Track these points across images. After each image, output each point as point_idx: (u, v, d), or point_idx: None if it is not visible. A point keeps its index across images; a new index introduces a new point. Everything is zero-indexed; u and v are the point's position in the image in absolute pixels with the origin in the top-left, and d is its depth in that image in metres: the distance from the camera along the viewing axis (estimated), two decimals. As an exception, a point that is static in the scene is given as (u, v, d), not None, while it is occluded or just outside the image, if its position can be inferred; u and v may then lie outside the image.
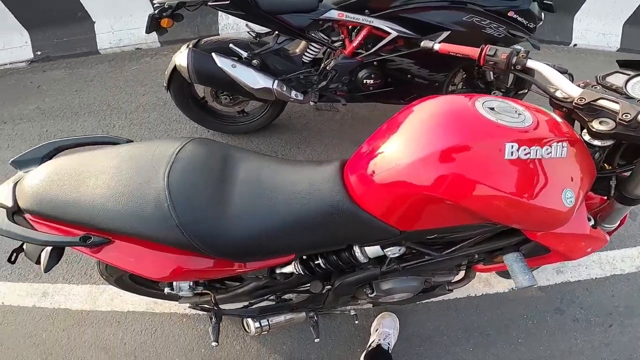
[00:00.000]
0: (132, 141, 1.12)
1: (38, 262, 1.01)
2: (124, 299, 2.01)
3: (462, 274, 1.34)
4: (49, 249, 0.96)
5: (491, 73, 2.12)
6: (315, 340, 1.47)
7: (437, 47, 1.16)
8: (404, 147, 0.85)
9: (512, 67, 0.99)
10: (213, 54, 1.93)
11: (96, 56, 3.28)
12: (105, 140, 1.11)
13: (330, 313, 1.59)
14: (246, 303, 1.44)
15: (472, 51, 1.06)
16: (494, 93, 2.25)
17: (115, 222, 0.86)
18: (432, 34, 1.90)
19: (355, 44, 2.03)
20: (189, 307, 1.63)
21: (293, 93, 2.09)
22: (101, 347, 1.88)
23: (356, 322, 1.59)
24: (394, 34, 1.93)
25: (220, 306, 1.36)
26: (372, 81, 2.11)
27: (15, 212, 0.91)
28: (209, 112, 2.39)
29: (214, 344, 1.36)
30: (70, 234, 0.91)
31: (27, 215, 0.92)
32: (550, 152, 0.80)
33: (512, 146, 0.78)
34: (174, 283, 1.22)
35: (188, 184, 0.87)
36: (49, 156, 1.04)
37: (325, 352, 1.80)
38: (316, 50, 2.10)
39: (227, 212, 0.88)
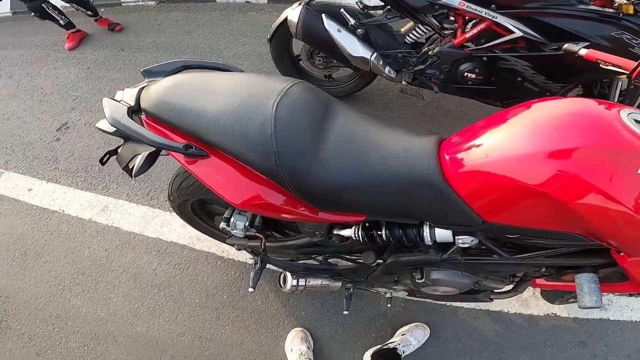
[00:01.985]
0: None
1: (126, 168, 1.07)
2: (172, 229, 2.07)
3: (510, 286, 1.30)
4: (145, 153, 1.01)
5: (617, 93, 1.88)
6: (344, 312, 1.44)
7: (583, 52, 1.11)
8: (520, 137, 0.81)
9: None
10: (323, 15, 1.98)
11: (212, 4, 3.59)
12: (225, 68, 1.18)
13: (367, 290, 1.53)
14: (289, 259, 1.42)
15: (625, 62, 1.01)
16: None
17: (219, 137, 0.90)
18: (561, 41, 1.72)
19: (468, 35, 1.91)
20: (236, 248, 1.64)
21: (387, 69, 2.06)
22: (133, 274, 1.95)
23: (389, 305, 1.53)
24: (517, 33, 1.78)
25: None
26: (474, 76, 1.99)
27: (134, 112, 0.98)
28: (299, 70, 2.47)
29: (250, 289, 1.34)
30: (174, 140, 0.96)
31: (143, 116, 0.99)
32: None
33: None
34: (231, 219, 1.26)
35: (292, 117, 0.90)
36: (175, 72, 1.11)
37: (341, 328, 1.73)
38: (422, 33, 2.03)
39: (321, 155, 0.90)
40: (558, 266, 1.05)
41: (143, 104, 0.98)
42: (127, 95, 1.01)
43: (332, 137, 0.93)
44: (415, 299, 1.73)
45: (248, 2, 3.52)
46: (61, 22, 3.22)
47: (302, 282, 1.32)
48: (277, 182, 0.92)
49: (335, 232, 1.12)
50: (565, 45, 1.14)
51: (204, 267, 1.93)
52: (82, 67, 3.14)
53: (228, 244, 1.72)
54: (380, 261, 1.15)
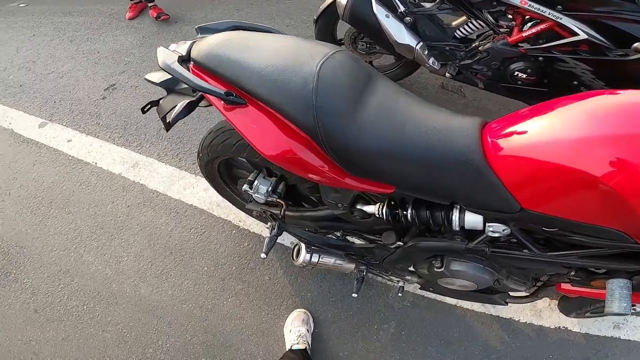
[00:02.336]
0: None
1: (163, 119, 1.14)
2: (194, 192, 2.09)
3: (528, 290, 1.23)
4: (184, 102, 1.07)
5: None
6: (353, 295, 1.38)
7: None
8: (577, 123, 0.75)
9: None
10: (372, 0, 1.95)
11: None
12: (275, 32, 1.21)
13: (379, 275, 1.47)
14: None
15: None
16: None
17: (260, 86, 0.92)
18: (627, 47, 1.62)
19: (525, 34, 1.82)
20: (254, 215, 1.63)
21: (431, 60, 1.99)
22: (148, 233, 1.97)
23: (399, 294, 1.45)
24: (582, 35, 1.69)
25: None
26: (524, 76, 1.89)
27: (184, 60, 1.04)
28: (341, 54, 2.44)
29: (262, 255, 1.31)
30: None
31: (191, 65, 1.04)
32: None
33: None
34: (255, 182, 1.30)
35: (335, 78, 0.90)
36: (226, 30, 1.16)
37: (344, 315, 1.66)
38: (474, 29, 1.95)
39: (359, 118, 0.89)
40: (590, 269, 0.98)
41: (192, 54, 1.04)
42: (180, 47, 1.08)
43: (372, 103, 0.92)
44: (426, 294, 1.64)
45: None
46: None
47: (315, 257, 1.29)
48: (312, 138, 0.91)
49: (358, 206, 1.10)
50: (636, 44, 1.10)
51: (218, 234, 1.92)
52: (137, 36, 3.29)
53: (246, 210, 1.75)
54: (401, 243, 1.11)
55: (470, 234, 0.98)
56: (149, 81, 1.12)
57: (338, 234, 1.30)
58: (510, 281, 1.12)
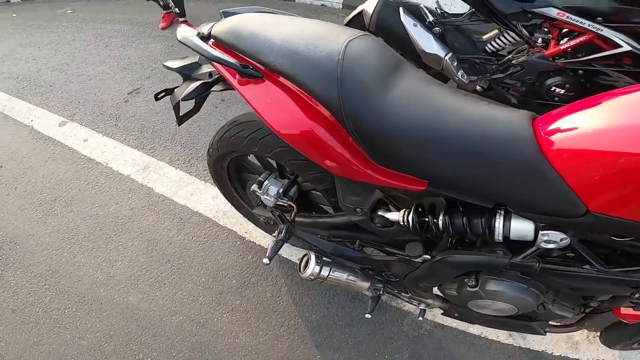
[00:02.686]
0: None
1: (177, 109, 1.15)
2: (201, 199, 2.01)
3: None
4: (198, 83, 1.05)
5: None
6: (366, 316, 1.22)
7: None
8: None
9: None
10: (400, 8, 1.91)
11: (292, 2, 3.97)
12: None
13: (398, 296, 1.28)
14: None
15: None
16: None
17: (281, 57, 0.86)
18: None
19: (564, 47, 1.74)
20: (260, 220, 1.52)
21: (460, 72, 1.89)
22: (148, 238, 1.87)
23: (420, 318, 1.26)
24: (625, 47, 1.60)
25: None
26: (562, 91, 1.79)
27: (203, 37, 1.01)
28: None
29: (265, 260, 1.17)
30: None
31: (210, 41, 1.01)
32: None
33: None
34: (265, 183, 1.21)
35: (363, 56, 0.83)
36: None
37: (352, 341, 1.48)
38: (506, 42, 1.88)
39: (388, 97, 0.80)
40: None
41: (213, 32, 1.00)
42: (203, 28, 1.06)
43: (404, 85, 0.82)
44: (446, 322, 1.46)
45: (324, 5, 3.74)
46: (160, 2, 3.54)
47: (325, 270, 1.13)
48: (334, 115, 0.81)
49: (379, 212, 0.98)
50: None
51: (221, 244, 1.80)
52: (167, 44, 3.41)
53: (252, 218, 1.66)
54: (428, 257, 0.96)
55: (513, 246, 0.83)
56: (167, 67, 1.12)
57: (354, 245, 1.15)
58: (557, 305, 0.95)
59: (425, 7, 1.93)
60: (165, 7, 3.56)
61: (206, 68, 1.10)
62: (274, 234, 1.22)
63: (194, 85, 1.05)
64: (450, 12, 1.99)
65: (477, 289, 0.90)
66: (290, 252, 1.71)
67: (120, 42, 3.57)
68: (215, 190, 1.92)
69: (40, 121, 2.68)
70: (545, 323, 1.08)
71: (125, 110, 2.68)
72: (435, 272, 0.97)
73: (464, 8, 1.88)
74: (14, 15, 4.70)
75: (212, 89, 1.09)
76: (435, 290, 1.15)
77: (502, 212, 0.79)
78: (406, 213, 0.91)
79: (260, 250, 1.76)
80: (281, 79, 0.87)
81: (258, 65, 0.90)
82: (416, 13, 1.92)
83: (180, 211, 1.96)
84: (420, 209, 0.91)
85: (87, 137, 2.48)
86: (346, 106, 0.79)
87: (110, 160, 2.28)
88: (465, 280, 0.92)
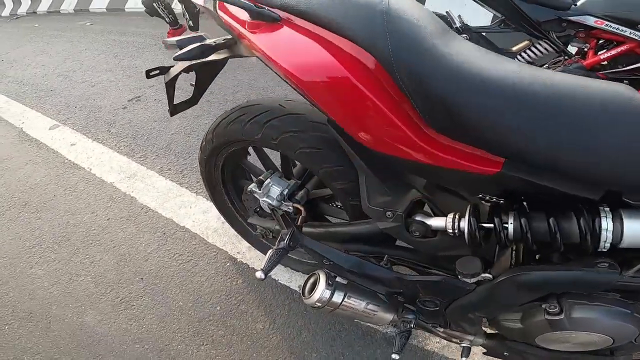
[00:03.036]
0: None
1: (170, 90, 1.01)
2: (190, 212, 1.78)
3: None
4: (197, 43, 0.91)
5: None
6: (393, 357, 0.92)
7: None
8: None
9: None
10: None
11: None
12: None
13: (433, 332, 0.97)
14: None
15: None
16: None
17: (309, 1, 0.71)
18: None
19: (604, 56, 1.63)
20: (258, 231, 1.27)
21: None
22: (121, 253, 1.65)
23: (463, 358, 0.95)
24: None
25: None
26: None
27: None
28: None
29: (259, 274, 0.88)
30: None
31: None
32: None
33: None
34: (265, 182, 1.04)
35: (409, 12, 0.65)
36: None
37: None
38: (538, 54, 1.76)
39: (453, 45, 0.62)
40: None
41: None
42: None
43: (462, 44, 0.64)
44: None
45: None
46: (167, 19, 3.50)
47: (338, 295, 0.85)
48: (377, 57, 0.63)
49: (418, 217, 0.76)
50: None
51: (207, 265, 1.54)
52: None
53: (245, 236, 1.44)
54: (489, 276, 0.72)
55: (617, 258, 0.61)
56: (166, 42, 1.02)
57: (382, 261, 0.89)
58: None
59: (450, 12, 1.83)
60: (172, 23, 3.53)
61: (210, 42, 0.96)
62: (274, 247, 0.93)
63: (193, 45, 0.89)
64: (473, 26, 1.87)
65: (561, 316, 0.67)
66: (290, 278, 1.44)
67: (130, 52, 3.60)
68: (207, 204, 1.71)
69: (31, 123, 2.59)
70: (629, 357, 0.82)
71: (122, 117, 2.56)
72: (497, 296, 0.73)
73: (487, 21, 1.77)
74: (37, 25, 4.91)
75: (212, 57, 0.93)
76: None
77: (607, 209, 0.58)
78: (457, 217, 0.69)
79: (251, 273, 1.48)
80: (304, 22, 0.71)
81: (275, 9, 0.75)
82: (443, 18, 1.79)
83: (164, 225, 1.72)
84: (478, 210, 0.69)
85: (76, 141, 2.33)
86: (394, 40, 0.61)
87: (94, 166, 2.10)
88: (544, 306, 0.69)
